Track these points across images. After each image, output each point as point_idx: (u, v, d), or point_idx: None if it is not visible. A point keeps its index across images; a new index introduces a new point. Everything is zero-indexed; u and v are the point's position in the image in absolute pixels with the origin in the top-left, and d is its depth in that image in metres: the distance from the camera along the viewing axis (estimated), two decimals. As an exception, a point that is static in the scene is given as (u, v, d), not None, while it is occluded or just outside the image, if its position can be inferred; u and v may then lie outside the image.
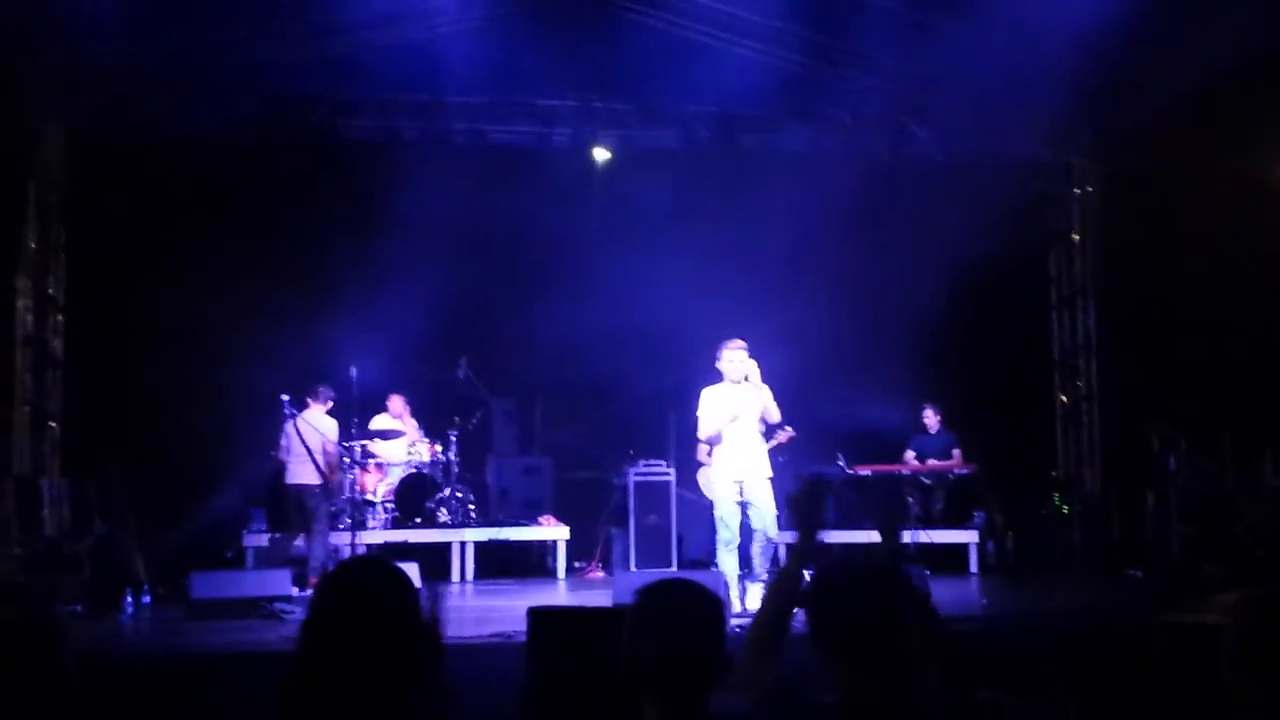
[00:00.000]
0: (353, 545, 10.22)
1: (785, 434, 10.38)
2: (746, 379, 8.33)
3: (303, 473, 10.00)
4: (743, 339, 8.44)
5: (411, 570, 8.03)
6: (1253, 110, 10.22)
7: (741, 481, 8.35)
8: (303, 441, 9.96)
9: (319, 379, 10.52)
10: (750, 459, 8.39)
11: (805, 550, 3.22)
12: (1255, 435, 10.51)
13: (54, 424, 11.67)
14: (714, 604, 2.56)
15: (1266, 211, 10.80)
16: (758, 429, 8.45)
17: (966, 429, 12.07)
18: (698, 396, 8.68)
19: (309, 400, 10.20)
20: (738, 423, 8.37)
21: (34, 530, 10.18)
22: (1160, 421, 11.16)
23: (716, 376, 8.52)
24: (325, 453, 10.01)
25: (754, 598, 8.13)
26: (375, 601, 2.23)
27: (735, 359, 8.32)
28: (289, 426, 10.06)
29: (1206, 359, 11.13)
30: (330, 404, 10.31)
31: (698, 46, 11.72)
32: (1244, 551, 9.78)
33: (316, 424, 10.08)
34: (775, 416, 8.47)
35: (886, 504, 10.61)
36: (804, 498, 3.30)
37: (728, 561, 8.32)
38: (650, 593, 2.57)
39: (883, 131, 12.62)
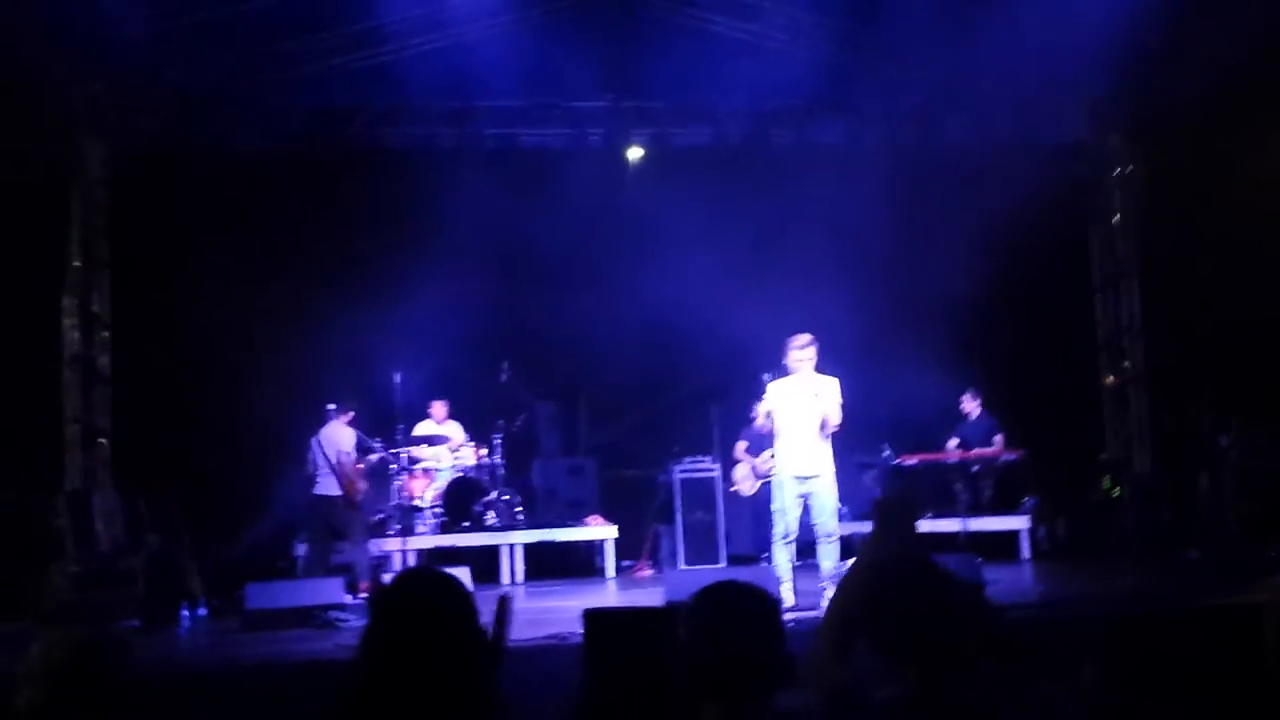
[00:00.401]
0: (402, 551, 10.28)
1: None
2: (808, 370, 8.27)
3: (328, 485, 10.12)
4: (810, 334, 8.36)
5: (463, 575, 8.07)
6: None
7: (802, 476, 8.27)
8: (324, 455, 10.08)
9: (361, 388, 10.62)
10: (807, 454, 8.28)
11: (873, 562, 3.20)
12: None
13: (103, 440, 11.80)
14: (770, 604, 2.55)
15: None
16: (816, 424, 8.25)
17: (1014, 415, 11.95)
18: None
19: (329, 414, 10.28)
20: (798, 416, 8.28)
21: (87, 546, 10.28)
22: (1210, 400, 11.01)
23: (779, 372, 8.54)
24: (340, 465, 10.08)
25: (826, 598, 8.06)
26: (433, 612, 2.27)
27: (792, 354, 8.29)
28: (313, 441, 10.19)
29: (1254, 336, 10.96)
30: (350, 415, 10.38)
31: (727, 41, 11.68)
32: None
33: (334, 437, 10.19)
34: (833, 418, 8.26)
35: (888, 495, 10.39)
36: (898, 514, 3.28)
37: (781, 556, 8.27)
38: (705, 596, 2.54)
39: (917, 120, 12.51)
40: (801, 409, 8.27)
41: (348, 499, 10.10)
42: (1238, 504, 10.34)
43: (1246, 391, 11.01)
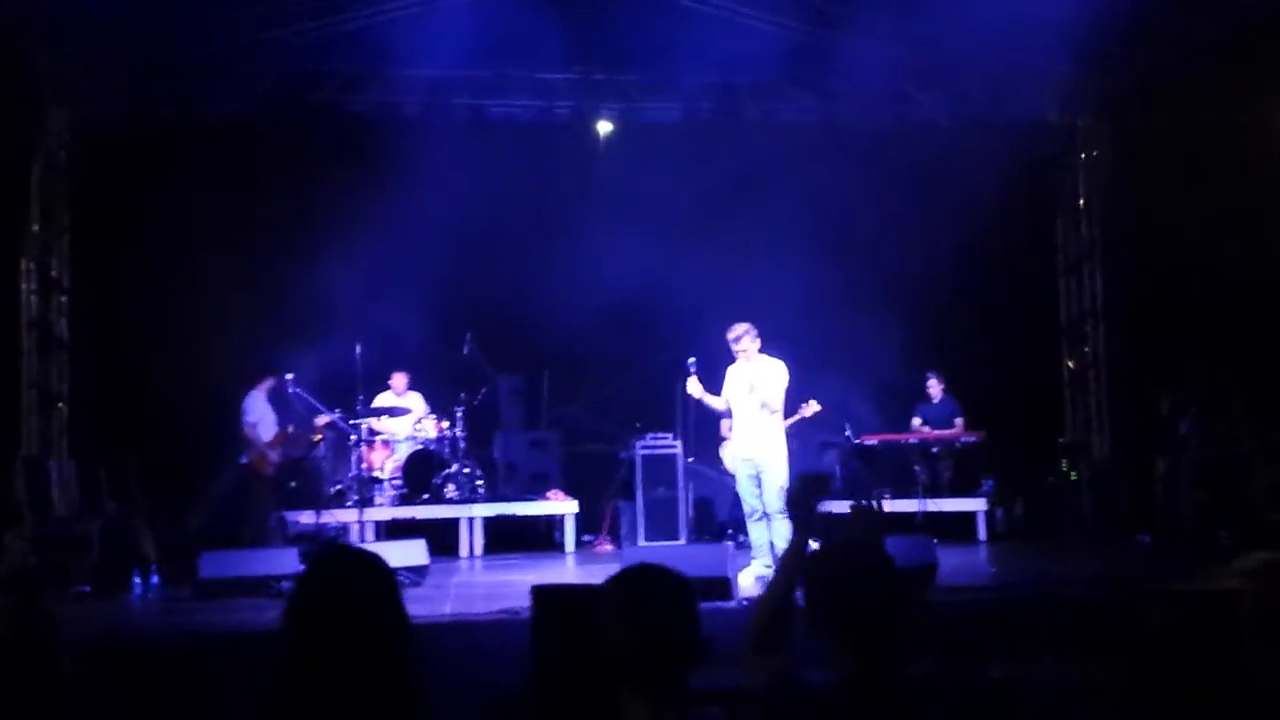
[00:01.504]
0: (360, 523, 10.25)
1: (809, 408, 10.42)
2: (746, 357, 8.56)
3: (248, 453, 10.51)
4: (746, 323, 8.62)
5: (418, 546, 8.05)
6: (1263, 69, 10.09)
7: (748, 458, 8.58)
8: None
9: (321, 356, 10.61)
10: (751, 436, 8.58)
11: (802, 545, 3.24)
12: (1268, 398, 10.43)
13: (61, 405, 11.70)
14: (679, 587, 2.56)
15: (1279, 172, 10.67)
16: (760, 406, 8.53)
17: (974, 396, 12.02)
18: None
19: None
20: (739, 400, 8.61)
21: (44, 511, 10.19)
22: (1170, 385, 11.10)
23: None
24: (246, 433, 10.45)
25: (759, 573, 8.16)
26: (352, 593, 2.26)
27: (731, 345, 8.59)
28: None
29: (1217, 323, 11.03)
30: (268, 384, 10.54)
31: (699, 15, 11.60)
32: (1256, 516, 9.74)
33: (247, 405, 10.53)
34: (772, 402, 8.52)
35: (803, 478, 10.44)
36: (800, 495, 3.33)
37: (755, 532, 8.52)
38: (615, 582, 2.58)
39: (886, 97, 12.49)
40: (743, 394, 8.58)
41: (255, 468, 10.24)
42: (1192, 490, 10.44)
43: (1206, 377, 11.09)
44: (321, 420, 10.62)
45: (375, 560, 2.34)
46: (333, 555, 2.52)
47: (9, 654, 2.34)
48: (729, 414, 8.82)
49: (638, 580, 2.55)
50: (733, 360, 8.74)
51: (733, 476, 8.98)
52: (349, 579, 2.29)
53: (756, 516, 8.53)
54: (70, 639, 2.54)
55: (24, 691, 2.33)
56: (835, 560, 2.80)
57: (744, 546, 8.66)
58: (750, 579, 8.09)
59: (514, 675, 5.36)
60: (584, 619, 5.26)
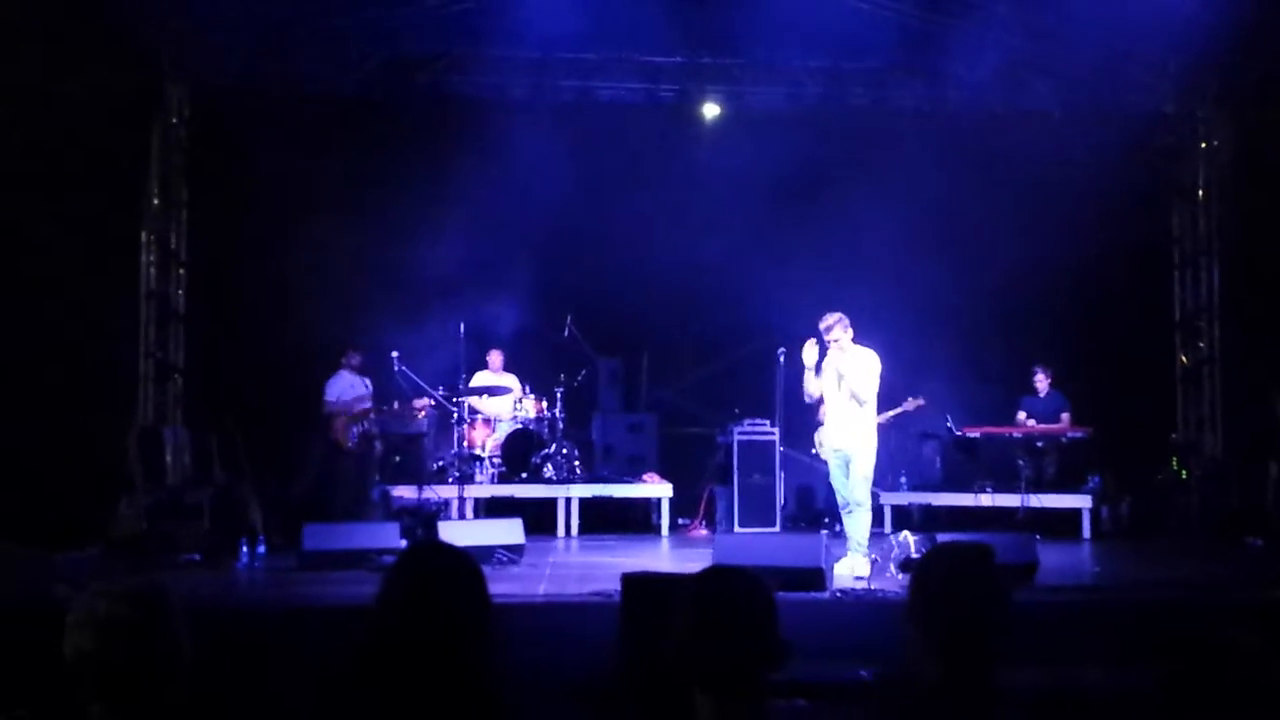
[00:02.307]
0: (459, 499, 10.41)
1: (912, 403, 10.27)
2: (839, 347, 8.34)
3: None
4: (838, 312, 8.38)
5: (515, 525, 8.14)
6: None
7: (838, 448, 8.49)
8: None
9: (424, 333, 10.79)
10: (840, 427, 8.47)
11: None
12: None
13: (178, 375, 12.06)
14: (755, 593, 2.51)
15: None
16: (850, 397, 8.38)
17: (1085, 391, 11.74)
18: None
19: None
20: (830, 390, 8.47)
21: (157, 480, 10.52)
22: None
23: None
24: (327, 410, 10.62)
25: (856, 566, 8.05)
26: (442, 589, 2.38)
27: (825, 331, 8.36)
28: None
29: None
30: (350, 362, 10.71)
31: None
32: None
33: (329, 384, 10.71)
34: (861, 393, 8.34)
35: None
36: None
37: (849, 523, 8.38)
38: (694, 582, 2.55)
39: (1000, 85, 12.21)
40: (833, 384, 8.44)
41: (336, 443, 10.47)
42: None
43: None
44: (420, 402, 10.76)
45: (466, 558, 2.45)
46: (427, 550, 2.61)
47: (131, 641, 2.36)
48: (821, 400, 8.62)
49: (715, 584, 2.53)
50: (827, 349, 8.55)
51: (825, 464, 8.88)
52: (440, 575, 2.40)
53: (849, 508, 8.41)
54: (186, 612, 2.57)
55: (145, 678, 2.36)
56: (944, 562, 2.85)
57: (840, 536, 8.55)
58: (847, 570, 8.02)
59: (602, 659, 5.36)
60: (670, 608, 5.28)
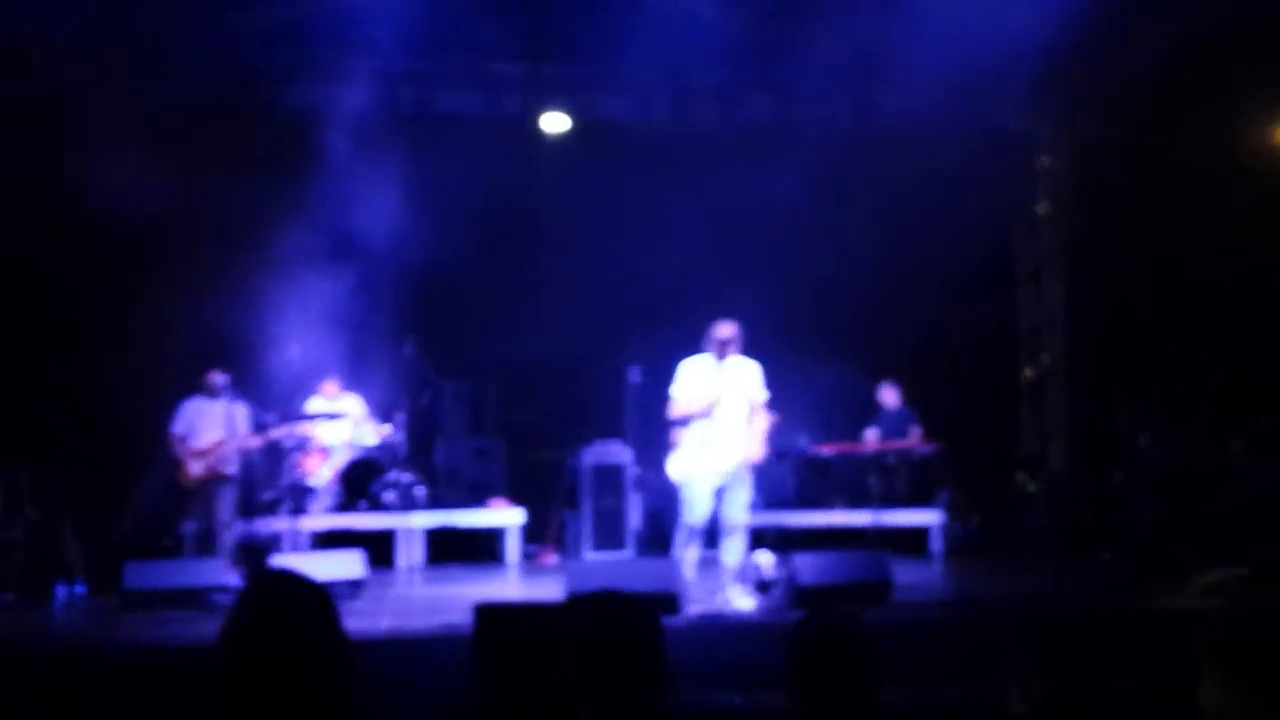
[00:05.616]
0: (293, 532, 9.83)
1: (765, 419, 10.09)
2: (729, 351, 7.78)
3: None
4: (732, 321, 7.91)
5: (355, 558, 7.71)
6: (1230, 75, 9.94)
7: (729, 469, 7.78)
8: None
9: (259, 360, 10.22)
10: (740, 442, 7.80)
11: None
12: (1228, 413, 10.27)
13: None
14: (636, 614, 2.45)
15: (1242, 182, 10.51)
16: (743, 409, 7.82)
17: (930, 406, 11.79)
18: (656, 375, 8.32)
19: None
20: (729, 402, 7.79)
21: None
22: (1130, 398, 10.91)
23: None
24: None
25: (745, 596, 7.71)
26: (290, 619, 2.26)
27: (729, 341, 7.80)
28: None
29: (1177, 335, 10.88)
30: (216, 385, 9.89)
31: (652, 9, 11.28)
32: (1214, 533, 9.55)
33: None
34: (759, 395, 7.92)
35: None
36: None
37: (687, 547, 7.85)
38: (570, 608, 2.62)
39: (846, 101, 12.23)
40: (732, 398, 7.88)
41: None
42: (1148, 506, 10.25)
43: (1168, 391, 10.93)
44: (251, 437, 10.05)
45: (316, 587, 2.36)
46: (274, 579, 2.47)
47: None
48: (701, 416, 7.79)
49: (600, 609, 2.44)
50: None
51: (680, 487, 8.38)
52: (289, 603, 2.29)
53: (699, 531, 7.78)
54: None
55: None
56: (816, 630, 2.92)
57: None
58: (744, 602, 7.64)
59: (454, 693, 5.29)
60: (530, 639, 5.09)
